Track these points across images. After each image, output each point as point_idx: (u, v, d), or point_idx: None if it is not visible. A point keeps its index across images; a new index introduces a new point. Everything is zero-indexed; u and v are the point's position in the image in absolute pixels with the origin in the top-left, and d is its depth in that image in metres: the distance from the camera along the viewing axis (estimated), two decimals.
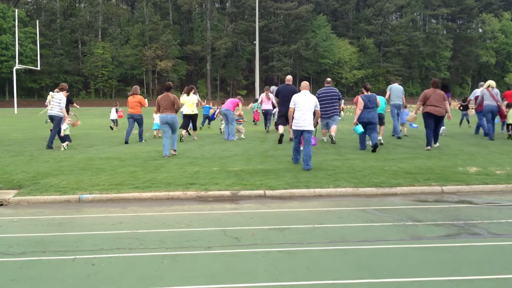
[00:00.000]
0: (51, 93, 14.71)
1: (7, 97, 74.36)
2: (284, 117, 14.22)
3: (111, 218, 6.64)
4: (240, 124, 16.37)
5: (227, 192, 7.98)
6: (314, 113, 10.65)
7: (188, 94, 16.30)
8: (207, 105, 22.17)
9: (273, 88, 21.86)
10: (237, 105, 16.09)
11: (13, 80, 51.30)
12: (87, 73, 79.39)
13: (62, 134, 13.84)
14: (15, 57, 54.56)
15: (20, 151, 13.13)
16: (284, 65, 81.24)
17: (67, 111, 15.09)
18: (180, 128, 15.86)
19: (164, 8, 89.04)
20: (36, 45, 59.23)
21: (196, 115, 16.40)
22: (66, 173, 9.58)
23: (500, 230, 5.88)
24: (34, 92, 78.58)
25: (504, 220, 6.30)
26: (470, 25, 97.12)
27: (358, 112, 12.77)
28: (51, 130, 14.35)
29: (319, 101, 13.60)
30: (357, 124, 12.73)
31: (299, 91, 10.82)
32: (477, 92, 18.02)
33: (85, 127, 22.78)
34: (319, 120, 14.58)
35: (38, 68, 56.43)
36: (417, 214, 6.68)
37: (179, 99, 13.62)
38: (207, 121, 22.18)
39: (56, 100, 14.01)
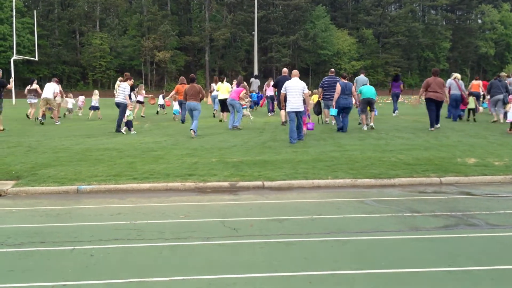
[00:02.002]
0: (118, 82, 16.56)
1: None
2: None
3: (110, 209, 6.64)
4: (244, 107, 17.51)
5: (225, 183, 7.98)
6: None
7: (223, 81, 20.27)
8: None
9: (253, 79, 27.21)
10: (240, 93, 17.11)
11: (11, 70, 51.06)
12: (85, 64, 79.03)
13: (125, 119, 15.43)
14: (12, 48, 54.28)
15: (18, 142, 13.10)
16: (283, 56, 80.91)
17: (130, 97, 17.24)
18: (222, 111, 19.83)
19: None
20: (34, 35, 58.91)
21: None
22: (64, 164, 9.57)
23: (498, 221, 5.89)
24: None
25: (502, 211, 6.31)
26: (469, 16, 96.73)
27: (336, 96, 14.66)
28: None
29: (324, 87, 16.58)
30: (334, 107, 14.91)
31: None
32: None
33: (83, 118, 22.74)
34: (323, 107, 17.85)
35: (36, 58, 56.17)
36: (416, 205, 6.69)
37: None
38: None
39: (121, 89, 15.83)
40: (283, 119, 17.20)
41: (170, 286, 4.04)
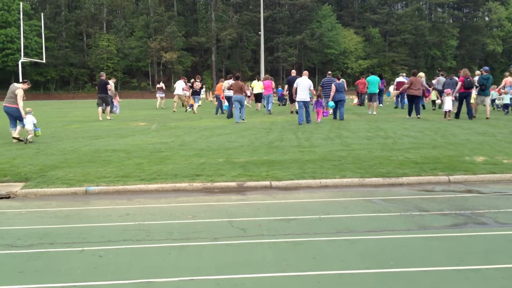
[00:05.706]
0: (227, 81, 22.65)
1: None
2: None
3: (118, 210, 6.67)
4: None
5: (233, 184, 7.98)
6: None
7: (258, 80, 26.18)
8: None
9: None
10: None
11: (18, 73, 51.33)
12: (93, 66, 79.30)
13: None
14: (20, 50, 54.55)
15: (27, 144, 13.18)
16: (289, 56, 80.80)
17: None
18: (256, 102, 27.04)
19: None
20: (41, 38, 59.16)
21: (261, 94, 25.50)
22: (73, 166, 9.62)
23: (507, 219, 5.87)
24: (39, 85, 78.63)
25: (511, 209, 6.28)
26: (476, 13, 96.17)
27: (332, 94, 19.17)
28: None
29: (323, 86, 20.81)
30: (331, 101, 19.36)
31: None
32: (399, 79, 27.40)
33: (91, 119, 22.83)
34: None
35: (44, 61, 56.41)
36: (424, 204, 6.66)
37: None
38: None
39: (226, 85, 22.05)
40: (292, 109, 22.83)
41: (178, 287, 4.06)
